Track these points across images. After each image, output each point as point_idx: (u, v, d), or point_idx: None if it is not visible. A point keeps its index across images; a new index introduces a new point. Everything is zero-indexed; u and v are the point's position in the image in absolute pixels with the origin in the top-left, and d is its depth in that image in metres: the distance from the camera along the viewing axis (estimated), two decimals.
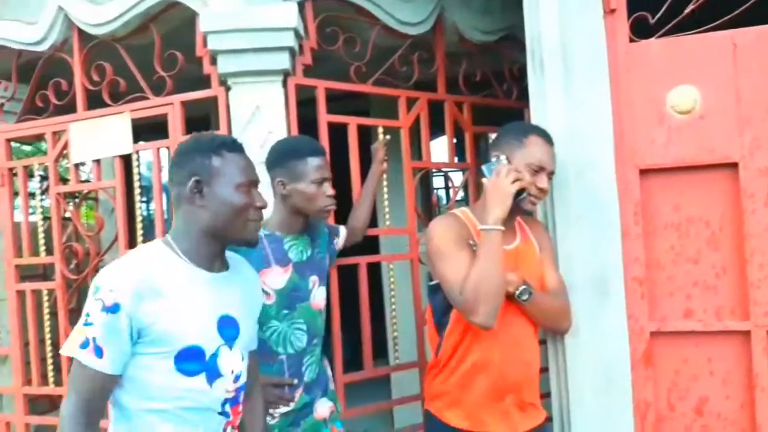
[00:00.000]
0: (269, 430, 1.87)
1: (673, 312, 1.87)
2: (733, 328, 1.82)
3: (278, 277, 1.91)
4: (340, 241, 2.26)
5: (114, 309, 1.25)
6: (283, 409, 1.92)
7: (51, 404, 3.31)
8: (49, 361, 2.88)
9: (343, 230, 2.28)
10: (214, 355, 1.37)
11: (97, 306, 1.26)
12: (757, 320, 1.78)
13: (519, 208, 1.81)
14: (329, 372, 2.16)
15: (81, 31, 2.69)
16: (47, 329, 2.90)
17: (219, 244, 1.42)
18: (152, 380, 1.32)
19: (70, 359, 1.30)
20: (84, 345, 1.27)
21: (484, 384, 1.76)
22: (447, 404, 1.82)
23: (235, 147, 1.43)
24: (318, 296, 2.00)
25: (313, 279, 1.99)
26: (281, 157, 1.96)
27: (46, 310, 2.88)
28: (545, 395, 1.97)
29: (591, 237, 1.87)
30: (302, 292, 1.96)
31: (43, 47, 2.74)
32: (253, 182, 1.43)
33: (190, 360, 1.33)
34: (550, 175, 1.81)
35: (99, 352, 1.26)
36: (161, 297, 1.30)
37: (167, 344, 1.31)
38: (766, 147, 1.80)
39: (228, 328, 1.42)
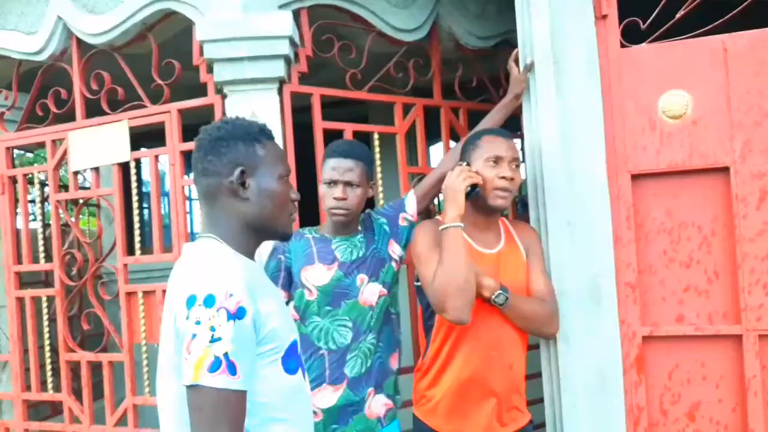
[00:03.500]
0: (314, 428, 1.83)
1: (665, 317, 1.87)
2: (725, 332, 1.82)
3: (321, 275, 1.95)
4: (410, 207, 2.11)
5: (240, 314, 1.11)
6: (324, 404, 1.90)
7: (52, 410, 3.33)
8: (48, 367, 2.89)
9: (409, 197, 2.14)
10: (296, 346, 1.29)
11: (222, 316, 1.10)
12: (748, 324, 1.78)
13: (490, 209, 1.82)
14: (391, 366, 2.04)
15: (80, 41, 2.73)
16: (47, 336, 2.93)
17: (260, 238, 1.33)
18: (261, 389, 1.18)
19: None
20: (214, 367, 1.08)
21: (466, 388, 1.77)
22: (431, 408, 1.82)
23: (271, 135, 1.34)
24: (367, 292, 1.98)
25: (361, 277, 1.98)
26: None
27: (45, 317, 2.91)
28: (538, 401, 1.97)
29: (583, 242, 1.88)
30: (349, 290, 1.96)
31: (42, 57, 2.77)
32: (289, 173, 1.36)
33: (292, 357, 1.25)
34: (514, 163, 1.81)
35: (233, 369, 1.09)
36: (263, 293, 1.21)
37: (277, 342, 1.21)
38: (758, 151, 1.81)
39: None
